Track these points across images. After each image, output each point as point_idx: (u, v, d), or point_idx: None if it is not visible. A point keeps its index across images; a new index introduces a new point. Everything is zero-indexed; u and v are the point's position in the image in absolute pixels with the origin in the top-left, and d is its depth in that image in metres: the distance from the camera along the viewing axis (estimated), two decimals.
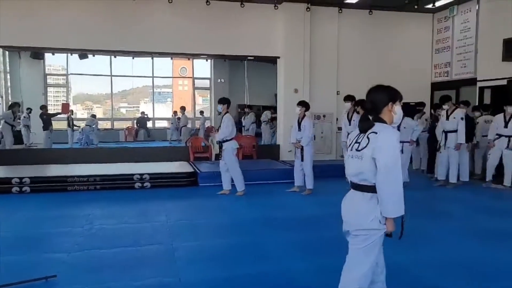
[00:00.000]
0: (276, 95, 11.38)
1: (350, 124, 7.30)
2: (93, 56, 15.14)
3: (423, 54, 11.42)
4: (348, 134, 6.99)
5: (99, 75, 18.12)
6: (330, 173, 8.78)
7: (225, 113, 6.97)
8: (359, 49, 10.83)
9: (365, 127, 2.42)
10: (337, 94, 10.45)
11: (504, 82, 8.85)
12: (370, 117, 2.46)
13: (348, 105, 7.46)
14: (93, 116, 15.56)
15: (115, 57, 16.83)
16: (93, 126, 14.46)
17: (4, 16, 8.62)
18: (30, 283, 3.34)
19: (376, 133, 2.36)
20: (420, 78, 11.25)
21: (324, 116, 10.58)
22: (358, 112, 7.13)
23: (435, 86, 11.35)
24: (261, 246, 4.48)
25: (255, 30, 10.14)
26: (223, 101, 6.96)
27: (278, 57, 10.40)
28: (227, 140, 6.93)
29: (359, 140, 2.43)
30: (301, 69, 10.16)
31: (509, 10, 8.75)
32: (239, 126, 16.96)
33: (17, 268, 3.74)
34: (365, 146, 2.36)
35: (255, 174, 8.15)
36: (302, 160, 7.10)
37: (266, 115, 14.08)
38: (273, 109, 12.93)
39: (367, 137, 2.38)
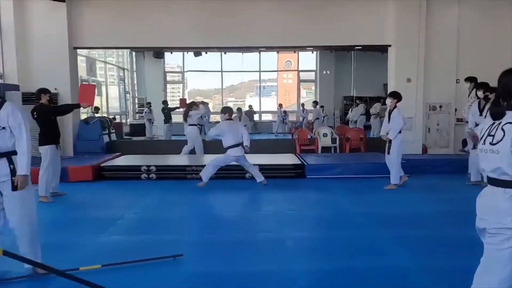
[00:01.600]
0: (384, 85, 10.91)
1: (481, 114, 6.61)
2: (206, 53, 16.15)
3: None
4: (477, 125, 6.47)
5: (211, 71, 19.28)
6: (445, 168, 8.22)
7: (394, 108, 6.77)
8: (485, 33, 9.72)
9: (495, 112, 2.22)
10: (457, 82, 9.62)
11: None
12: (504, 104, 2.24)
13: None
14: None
15: (225, 53, 17.73)
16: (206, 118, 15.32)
17: (129, 20, 9.63)
18: (160, 260, 3.73)
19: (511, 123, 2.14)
20: None
21: (440, 106, 9.84)
22: (486, 99, 6.45)
23: None
24: (367, 241, 4.39)
25: (364, 18, 9.79)
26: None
27: (389, 45, 9.91)
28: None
29: (492, 133, 2.23)
30: (414, 56, 9.56)
31: None
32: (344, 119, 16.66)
33: (147, 246, 4.21)
34: (501, 139, 2.16)
35: (360, 168, 7.96)
36: (388, 153, 6.77)
37: (375, 108, 13.59)
38: (382, 100, 12.41)
39: (502, 129, 2.17)
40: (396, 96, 6.80)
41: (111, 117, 13.54)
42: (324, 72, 18.81)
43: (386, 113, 7.04)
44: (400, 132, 6.74)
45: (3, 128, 3.31)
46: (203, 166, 7.81)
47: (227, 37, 9.99)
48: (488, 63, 9.31)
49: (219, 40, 10.18)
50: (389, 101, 6.86)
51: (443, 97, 9.77)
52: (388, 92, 7.05)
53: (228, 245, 4.29)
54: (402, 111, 6.88)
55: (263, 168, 7.81)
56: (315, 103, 15.66)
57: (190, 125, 9.59)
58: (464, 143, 8.75)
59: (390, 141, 6.74)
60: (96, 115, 11.85)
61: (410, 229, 4.79)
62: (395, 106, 6.73)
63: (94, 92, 7.35)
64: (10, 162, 3.34)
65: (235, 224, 5.08)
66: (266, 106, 20.62)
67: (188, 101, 11.63)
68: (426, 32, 9.57)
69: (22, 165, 3.32)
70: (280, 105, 18.10)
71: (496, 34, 9.74)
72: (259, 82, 20.45)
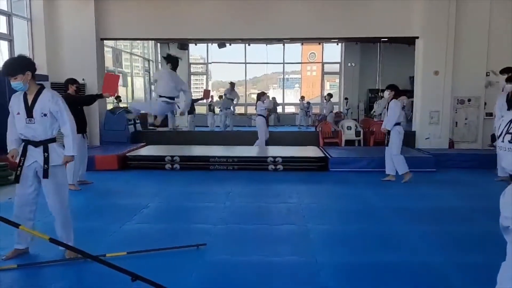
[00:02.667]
0: (411, 78, 10.67)
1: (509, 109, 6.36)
2: (230, 45, 16.13)
3: None
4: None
5: (235, 63, 19.27)
6: (474, 163, 8.04)
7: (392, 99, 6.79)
8: None
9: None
10: (487, 75, 9.32)
11: None
12: None
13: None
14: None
15: (249, 45, 17.68)
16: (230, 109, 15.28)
17: (155, 11, 9.70)
18: (184, 249, 3.78)
19: None
20: None
21: (469, 100, 9.56)
22: None
23: None
24: (393, 235, 4.33)
25: (390, 9, 9.56)
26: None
27: (417, 37, 9.67)
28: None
29: (511, 130, 2.14)
30: (443, 49, 9.29)
31: None
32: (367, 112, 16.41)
33: (171, 235, 4.27)
34: None
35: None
36: (387, 145, 6.74)
37: (401, 101, 13.28)
38: (409, 93, 12.13)
39: None
40: (394, 88, 6.82)
41: None
42: (349, 65, 18.51)
43: (386, 105, 7.10)
44: (399, 124, 6.76)
45: (45, 114, 3.45)
46: (226, 157, 7.88)
47: (251, 28, 9.94)
48: None
49: (243, 31, 10.14)
50: (386, 93, 6.90)
51: (472, 91, 9.50)
52: (386, 86, 7.07)
53: (252, 235, 4.31)
54: (400, 103, 7.01)
55: (285, 161, 7.82)
56: (329, 95, 15.41)
57: (258, 115, 9.74)
58: (493, 137, 8.50)
59: (389, 133, 6.72)
60: (120, 104, 12.02)
61: (437, 224, 4.71)
62: (393, 98, 6.76)
63: (117, 81, 7.43)
64: (45, 150, 3.46)
65: (258, 215, 5.09)
66: (289, 98, 20.51)
67: (210, 93, 11.65)
68: (456, 23, 9.28)
69: (69, 147, 3.56)
70: (303, 97, 17.93)
71: None
72: (282, 74, 20.33)
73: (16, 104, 3.47)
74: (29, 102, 3.44)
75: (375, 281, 3.27)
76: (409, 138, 9.88)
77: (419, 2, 9.43)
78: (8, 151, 3.54)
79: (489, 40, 9.36)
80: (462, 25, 9.32)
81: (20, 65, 3.42)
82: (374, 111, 14.93)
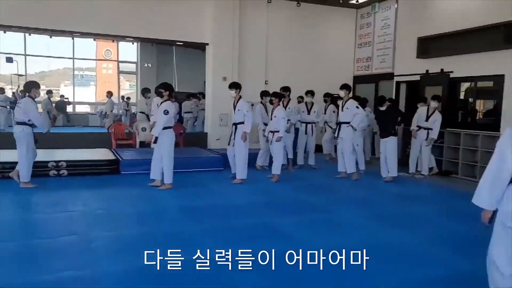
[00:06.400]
0: (205, 82, 11.25)
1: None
2: (4, 33, 13.84)
3: (347, 48, 11.90)
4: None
5: (10, 53, 16.56)
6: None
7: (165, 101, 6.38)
8: (287, 40, 11.02)
9: None
10: (266, 83, 10.57)
11: (418, 77, 9.54)
12: None
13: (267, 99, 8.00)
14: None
15: (29, 35, 15.49)
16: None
17: None
18: None
19: None
20: (344, 70, 11.70)
21: (252, 105, 10.61)
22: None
23: (357, 79, 11.93)
24: (183, 235, 4.41)
25: (185, 15, 9.88)
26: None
27: (207, 44, 10.26)
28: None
29: None
30: (229, 57, 10.12)
31: (424, 10, 9.42)
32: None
33: None
34: None
35: (181, 162, 8.02)
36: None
37: (187, 105, 13.74)
38: (203, 96, 12.70)
39: None
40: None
41: None
42: (146, 65, 18.29)
43: (340, 104, 7.74)
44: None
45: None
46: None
47: (30, 16, 8.72)
48: (288, 67, 10.63)
49: (21, 19, 8.81)
50: (342, 93, 7.59)
51: (255, 97, 10.18)
52: (340, 86, 7.73)
53: (22, 253, 3.73)
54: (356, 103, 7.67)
55: (71, 165, 7.13)
56: (109, 93, 14.96)
57: None
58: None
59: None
60: None
61: (224, 219, 5.01)
62: (349, 98, 7.59)
63: None
64: None
65: (35, 228, 4.46)
66: (84, 97, 18.93)
67: None
68: (240, 34, 10.24)
69: None
70: (109, 93, 16.16)
71: (296, 42, 11.09)
72: (73, 70, 18.58)
73: None
74: None
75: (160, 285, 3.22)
76: (201, 139, 10.42)
77: (209, 12, 10.01)
78: None
79: (267, 55, 10.72)
80: (246, 38, 10.38)
81: None
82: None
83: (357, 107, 7.50)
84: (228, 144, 7.24)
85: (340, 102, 7.82)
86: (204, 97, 11.69)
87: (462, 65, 8.46)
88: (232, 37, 10.07)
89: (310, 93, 8.71)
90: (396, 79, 10.33)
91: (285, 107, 8.21)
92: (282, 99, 7.64)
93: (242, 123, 6.90)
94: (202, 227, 4.67)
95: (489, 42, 7.86)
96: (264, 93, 8.27)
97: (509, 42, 7.43)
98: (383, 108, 7.75)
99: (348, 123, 7.48)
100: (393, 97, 9.94)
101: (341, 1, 10.63)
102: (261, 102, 8.29)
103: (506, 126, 7.17)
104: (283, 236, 4.42)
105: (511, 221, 2.41)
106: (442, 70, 8.92)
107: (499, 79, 7.80)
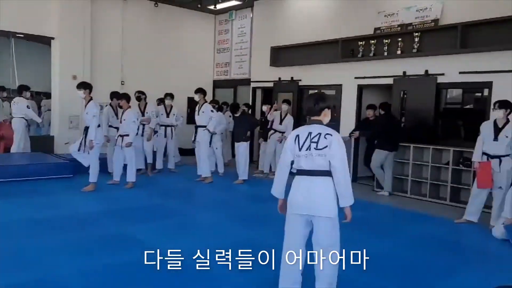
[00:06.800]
0: None
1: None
2: None
3: (207, 52, 12.04)
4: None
5: None
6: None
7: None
8: (146, 41, 10.64)
9: None
10: (122, 84, 10.03)
11: (271, 84, 10.16)
12: None
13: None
14: None
15: None
16: None
17: None
18: None
19: None
20: (204, 74, 11.81)
21: (106, 105, 9.95)
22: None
23: (217, 84, 12.17)
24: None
25: (26, 4, 8.74)
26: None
27: (53, 38, 9.26)
28: None
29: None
30: (80, 54, 9.32)
31: (277, 21, 10.09)
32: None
33: None
34: None
35: (20, 169, 7.06)
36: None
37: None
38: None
39: None
40: (202, 91, 7.55)
41: None
42: None
43: (196, 108, 7.66)
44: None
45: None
46: None
47: None
48: (147, 69, 10.29)
49: None
50: (196, 97, 7.55)
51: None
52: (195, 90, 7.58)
53: None
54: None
55: None
56: None
57: None
58: None
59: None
60: None
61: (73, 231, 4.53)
62: (205, 101, 7.64)
63: None
64: None
65: None
66: None
67: None
68: (92, 30, 9.52)
69: None
70: None
71: (154, 44, 10.79)
72: None
73: None
74: None
75: None
76: (47, 143, 9.35)
77: (55, 2, 9.05)
78: None
79: (123, 54, 10.19)
80: (99, 35, 9.70)
81: None
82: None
83: (211, 110, 7.63)
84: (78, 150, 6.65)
85: (197, 107, 7.85)
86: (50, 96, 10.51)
87: (308, 74, 9.30)
88: (83, 33, 9.28)
89: (170, 95, 8.56)
90: (252, 84, 10.84)
91: (143, 112, 7.94)
92: (138, 102, 7.34)
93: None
94: (47, 241, 4.15)
95: (331, 55, 8.80)
96: (113, 95, 7.74)
97: (345, 56, 8.45)
98: (237, 115, 8.10)
99: (205, 126, 7.56)
100: (250, 103, 10.40)
101: (199, 6, 10.69)
102: (110, 104, 7.79)
103: (343, 129, 8.16)
104: (135, 243, 4.21)
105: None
106: (292, 78, 9.67)
107: (338, 88, 8.80)
